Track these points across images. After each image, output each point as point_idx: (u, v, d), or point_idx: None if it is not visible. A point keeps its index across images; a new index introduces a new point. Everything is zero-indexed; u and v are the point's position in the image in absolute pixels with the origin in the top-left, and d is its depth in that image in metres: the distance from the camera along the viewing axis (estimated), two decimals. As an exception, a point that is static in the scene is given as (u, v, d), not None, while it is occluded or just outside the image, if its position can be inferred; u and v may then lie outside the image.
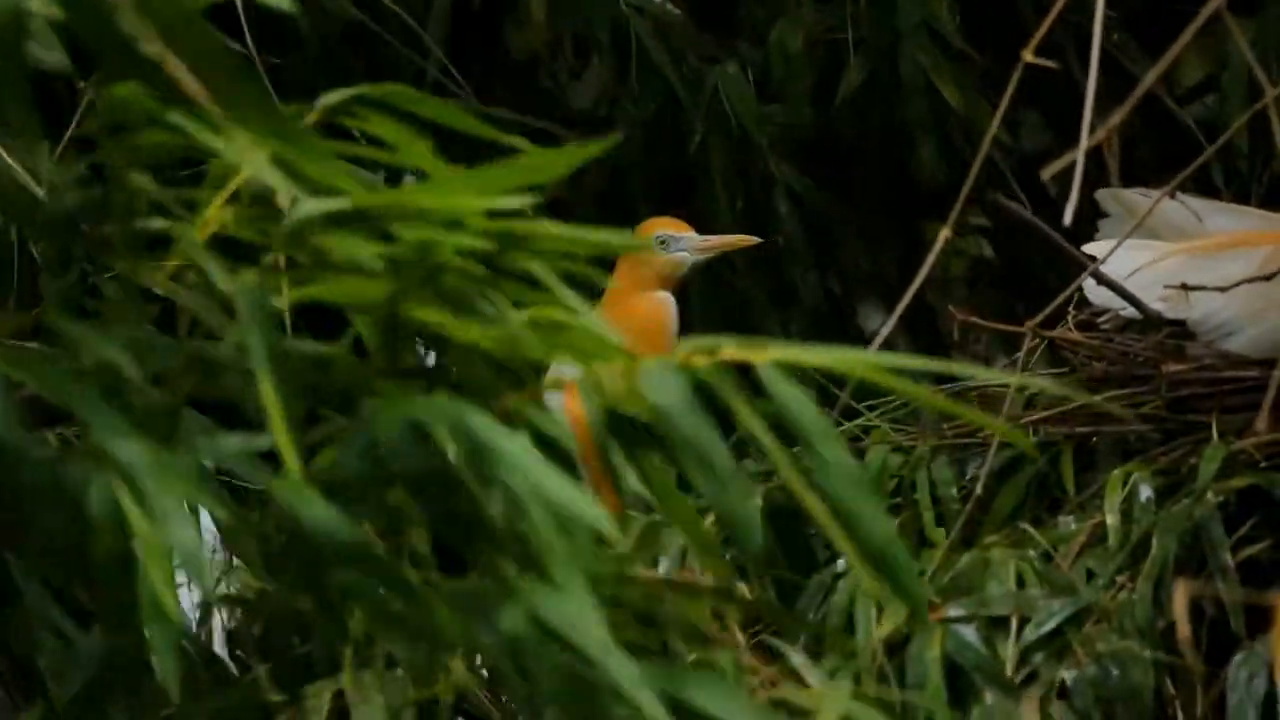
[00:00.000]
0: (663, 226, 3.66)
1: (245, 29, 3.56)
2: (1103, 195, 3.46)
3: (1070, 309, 3.40)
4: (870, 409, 3.42)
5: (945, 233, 2.46)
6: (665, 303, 3.61)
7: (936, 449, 3.31)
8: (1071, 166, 2.36)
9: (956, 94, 4.01)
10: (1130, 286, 3.31)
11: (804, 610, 2.86)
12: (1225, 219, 3.38)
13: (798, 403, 1.82)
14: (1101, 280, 3.30)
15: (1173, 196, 3.19)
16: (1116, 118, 2.35)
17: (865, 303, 4.50)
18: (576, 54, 4.03)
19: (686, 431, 1.80)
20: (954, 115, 4.07)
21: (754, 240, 3.70)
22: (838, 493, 1.81)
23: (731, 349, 1.83)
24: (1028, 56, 2.44)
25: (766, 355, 1.82)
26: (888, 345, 4.46)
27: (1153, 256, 3.33)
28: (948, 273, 4.55)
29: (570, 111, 4.35)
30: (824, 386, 3.39)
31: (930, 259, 2.52)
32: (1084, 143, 2.36)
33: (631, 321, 3.59)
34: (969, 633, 2.77)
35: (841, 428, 3.37)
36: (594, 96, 4.27)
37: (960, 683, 2.77)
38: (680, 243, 3.64)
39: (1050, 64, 2.49)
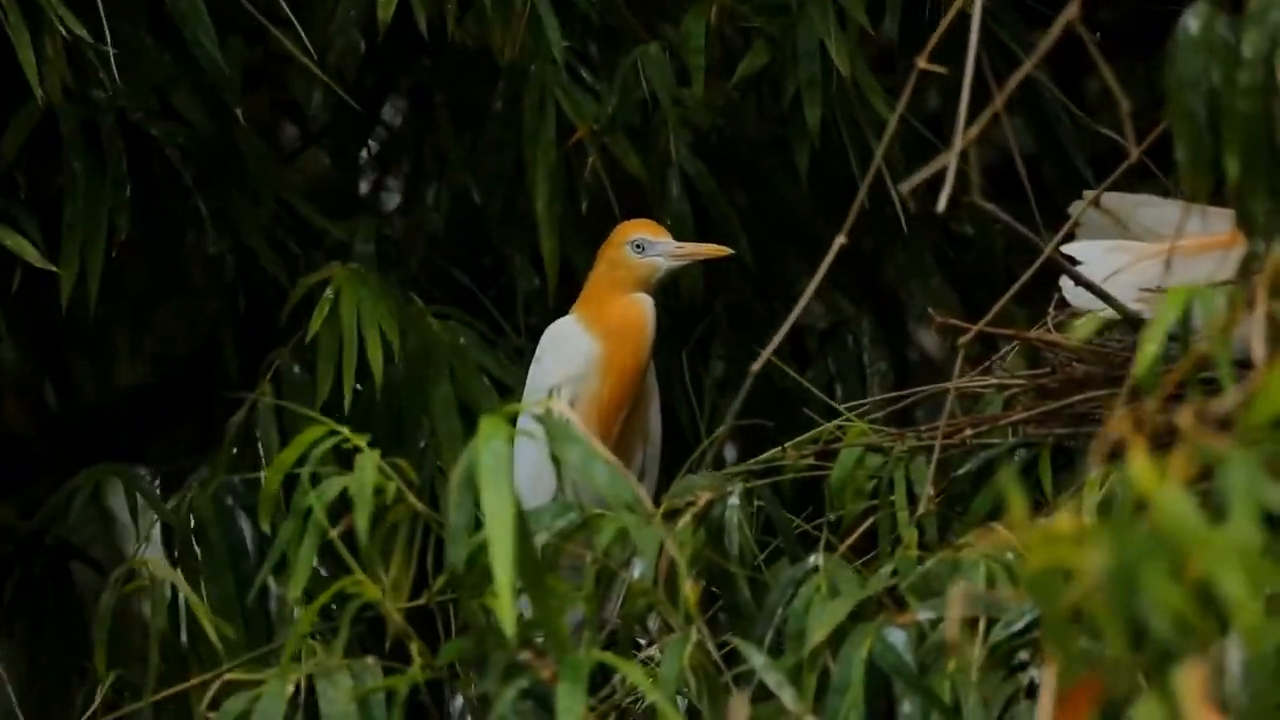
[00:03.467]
0: (640, 230, 3.64)
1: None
2: (1076, 206, 3.46)
3: (1050, 309, 3.41)
4: (850, 409, 3.43)
5: (840, 239, 2.47)
6: (643, 304, 3.61)
7: (915, 449, 3.31)
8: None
9: (847, 64, 4.02)
10: (1108, 288, 3.31)
11: (772, 607, 2.86)
12: (1201, 221, 3.37)
13: None
14: (1079, 281, 3.31)
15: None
16: (977, 126, 2.35)
17: (829, 292, 4.50)
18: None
19: None
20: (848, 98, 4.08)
21: (727, 251, 3.68)
22: None
23: None
24: (922, 63, 2.45)
25: None
26: (852, 331, 4.49)
27: (1130, 258, 3.34)
28: (921, 265, 4.53)
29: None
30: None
31: (824, 266, 2.52)
32: (956, 145, 2.37)
33: (610, 323, 3.59)
34: (898, 636, 2.75)
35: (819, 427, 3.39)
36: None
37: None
38: (656, 248, 3.62)
39: (940, 69, 2.50)
